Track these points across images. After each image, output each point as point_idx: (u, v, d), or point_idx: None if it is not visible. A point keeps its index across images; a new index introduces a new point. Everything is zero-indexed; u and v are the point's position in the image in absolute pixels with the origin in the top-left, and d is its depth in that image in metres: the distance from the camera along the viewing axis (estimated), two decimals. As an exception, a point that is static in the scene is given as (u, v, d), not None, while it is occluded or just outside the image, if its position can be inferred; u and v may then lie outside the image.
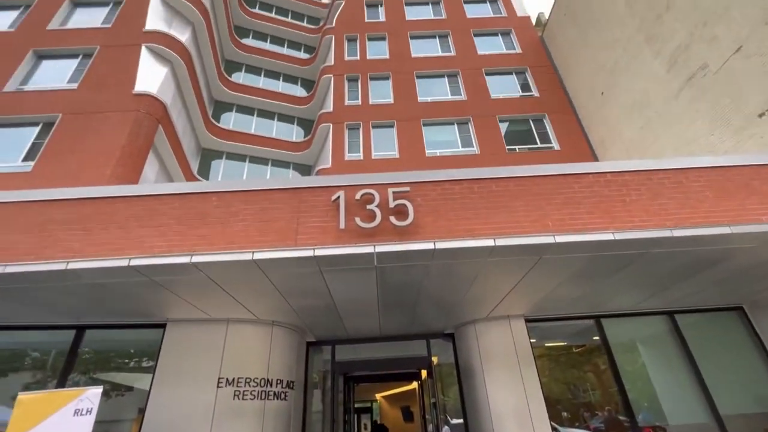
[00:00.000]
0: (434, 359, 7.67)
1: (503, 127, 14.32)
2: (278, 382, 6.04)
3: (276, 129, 16.85)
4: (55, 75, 11.92)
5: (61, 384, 5.55)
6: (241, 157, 15.63)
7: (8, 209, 4.63)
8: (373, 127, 14.47)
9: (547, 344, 7.33)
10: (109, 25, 12.96)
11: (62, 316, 5.63)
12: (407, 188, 4.42)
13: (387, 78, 15.97)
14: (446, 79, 15.93)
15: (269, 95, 17.20)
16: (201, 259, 4.11)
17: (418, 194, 4.43)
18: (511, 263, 4.57)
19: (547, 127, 14.18)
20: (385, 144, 14.04)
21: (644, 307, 6.77)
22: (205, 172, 14.81)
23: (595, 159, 12.86)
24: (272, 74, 18.54)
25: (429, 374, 8.39)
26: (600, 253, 4.46)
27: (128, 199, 4.62)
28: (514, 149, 13.67)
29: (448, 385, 7.75)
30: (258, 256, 4.11)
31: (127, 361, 6.25)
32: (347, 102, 15.22)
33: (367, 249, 4.09)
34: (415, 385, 13.66)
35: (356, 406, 13.24)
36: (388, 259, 4.24)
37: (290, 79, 18.77)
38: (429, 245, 4.10)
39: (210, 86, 16.07)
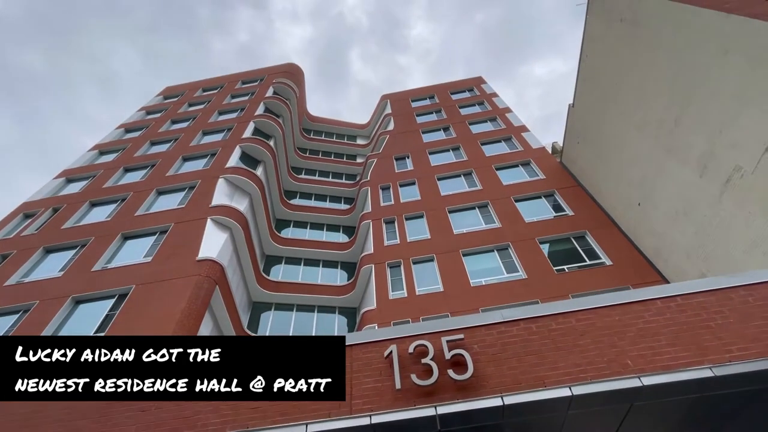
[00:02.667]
0: None
1: (545, 248, 14.18)
2: None
3: (321, 275, 17.60)
4: (135, 252, 13.78)
5: None
6: (288, 307, 16.02)
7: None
8: (414, 262, 14.80)
9: None
10: (183, 206, 15.42)
11: None
12: (461, 335, 4.23)
13: (421, 216, 17.04)
14: (477, 210, 16.74)
15: (314, 245, 18.59)
16: (253, 436, 3.87)
17: (474, 341, 4.20)
18: (597, 414, 3.91)
19: (592, 244, 13.87)
20: (428, 279, 14.07)
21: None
22: (254, 325, 15.11)
23: (656, 270, 12.01)
24: (317, 226, 20.43)
25: None
26: (705, 394, 3.75)
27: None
28: (563, 269, 13.21)
29: None
30: (313, 428, 3.82)
31: None
32: (386, 242, 16.03)
33: (428, 411, 3.71)
34: None
35: None
36: (452, 422, 3.78)
37: (333, 228, 20.49)
38: (497, 401, 3.68)
39: (262, 243, 17.75)
